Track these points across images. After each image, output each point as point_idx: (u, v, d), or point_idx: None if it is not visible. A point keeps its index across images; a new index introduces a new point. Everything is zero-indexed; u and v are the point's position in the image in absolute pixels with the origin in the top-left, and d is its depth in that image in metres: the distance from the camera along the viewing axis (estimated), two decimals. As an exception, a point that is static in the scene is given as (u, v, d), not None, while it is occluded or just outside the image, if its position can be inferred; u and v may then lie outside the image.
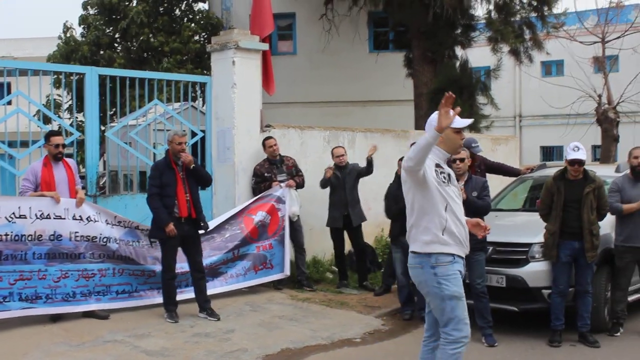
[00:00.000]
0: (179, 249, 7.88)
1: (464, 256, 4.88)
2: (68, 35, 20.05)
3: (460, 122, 4.84)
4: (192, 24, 19.20)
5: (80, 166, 10.23)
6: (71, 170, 7.83)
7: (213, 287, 8.46)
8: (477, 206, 7.24)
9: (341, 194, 9.60)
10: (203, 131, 10.16)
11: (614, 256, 7.70)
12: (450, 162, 7.24)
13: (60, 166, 7.76)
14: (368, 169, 9.68)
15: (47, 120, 11.70)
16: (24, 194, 7.59)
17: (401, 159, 8.29)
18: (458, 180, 7.42)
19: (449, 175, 4.92)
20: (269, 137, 9.68)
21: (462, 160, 7.42)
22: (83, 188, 8.20)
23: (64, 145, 7.85)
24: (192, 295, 8.03)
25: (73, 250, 7.55)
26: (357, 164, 9.89)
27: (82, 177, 8.79)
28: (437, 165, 4.86)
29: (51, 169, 7.66)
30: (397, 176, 8.55)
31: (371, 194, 9.96)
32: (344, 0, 17.47)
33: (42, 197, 7.48)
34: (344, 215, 9.64)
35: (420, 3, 14.46)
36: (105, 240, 7.79)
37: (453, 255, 4.79)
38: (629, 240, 7.55)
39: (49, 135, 7.86)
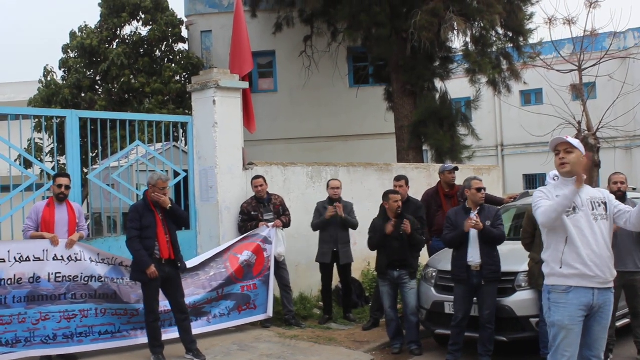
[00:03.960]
0: (160, 291, 7.81)
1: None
2: (49, 78, 20.06)
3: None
4: (173, 65, 19.28)
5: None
6: (73, 212, 7.89)
7: (197, 327, 8.36)
8: (493, 236, 7.31)
9: (331, 230, 9.60)
10: (186, 171, 10.14)
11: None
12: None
13: (64, 207, 7.84)
14: (353, 226, 9.77)
15: (28, 164, 11.68)
16: (26, 232, 7.69)
17: (390, 192, 8.40)
18: (471, 211, 7.53)
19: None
20: (258, 177, 9.66)
21: (484, 190, 7.67)
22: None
23: (67, 187, 7.87)
24: (176, 335, 7.93)
25: (53, 292, 7.48)
26: (350, 204, 9.89)
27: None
28: None
29: (53, 210, 7.76)
30: (382, 209, 8.58)
31: (357, 229, 9.94)
32: (323, 36, 17.63)
33: (30, 240, 7.54)
34: (333, 251, 9.62)
35: (398, 37, 14.63)
36: (87, 279, 7.72)
37: None
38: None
39: (55, 176, 8.01)
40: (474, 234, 7.46)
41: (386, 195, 8.42)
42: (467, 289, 7.50)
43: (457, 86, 18.78)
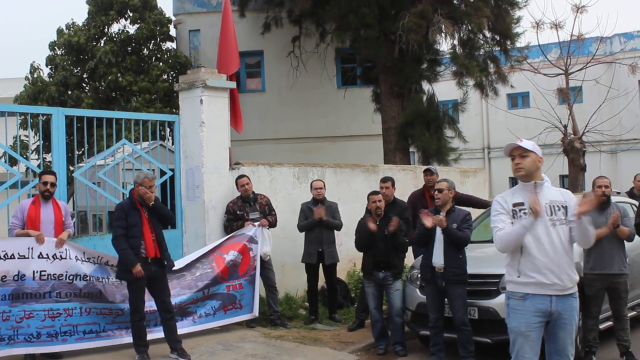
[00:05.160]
0: (146, 290, 7.79)
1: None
2: (35, 75, 19.95)
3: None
4: (161, 63, 19.22)
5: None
6: (59, 210, 7.86)
7: (182, 327, 8.34)
8: (456, 237, 7.34)
9: (317, 230, 9.62)
10: (172, 170, 10.12)
11: (584, 285, 7.76)
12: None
13: (49, 205, 7.82)
14: (336, 227, 9.80)
15: (13, 162, 11.61)
16: (12, 231, 7.65)
17: (371, 193, 8.44)
18: (439, 211, 7.56)
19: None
20: (242, 176, 9.67)
21: (440, 190, 7.58)
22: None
23: (53, 184, 7.84)
24: (161, 335, 7.91)
25: (38, 290, 7.44)
26: (334, 204, 9.91)
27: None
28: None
29: (39, 208, 7.73)
30: (367, 210, 8.61)
31: (342, 229, 9.96)
32: (311, 37, 17.63)
33: (15, 238, 7.52)
34: (319, 251, 9.64)
35: (386, 39, 14.65)
36: (71, 277, 7.69)
37: None
38: (596, 267, 7.61)
39: (40, 173, 7.97)
40: (439, 235, 7.51)
41: (368, 196, 8.48)
42: (435, 289, 7.56)
43: (444, 88, 18.86)
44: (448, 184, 7.78)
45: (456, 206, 7.86)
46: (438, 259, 7.48)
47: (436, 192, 7.73)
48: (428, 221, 7.31)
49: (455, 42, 15.29)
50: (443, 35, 14.76)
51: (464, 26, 14.92)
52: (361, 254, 8.60)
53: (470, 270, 7.59)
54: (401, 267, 8.54)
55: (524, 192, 4.95)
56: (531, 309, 4.83)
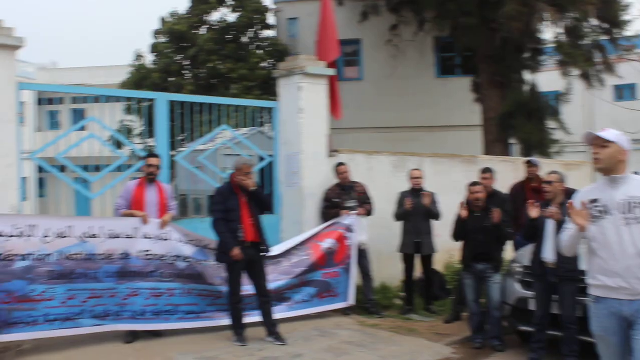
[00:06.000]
0: (244, 274, 7.89)
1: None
2: (140, 63, 20.54)
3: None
4: (260, 51, 19.45)
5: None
6: (163, 192, 8.03)
7: (278, 312, 8.39)
8: None
9: (414, 220, 9.51)
10: (271, 156, 10.21)
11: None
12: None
13: (154, 188, 8.00)
14: (435, 216, 9.66)
15: (119, 145, 11.99)
16: (118, 210, 7.88)
17: (471, 184, 8.25)
18: (550, 204, 7.28)
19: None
20: (341, 164, 9.66)
21: (550, 183, 7.32)
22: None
23: (157, 167, 8.03)
24: (258, 318, 7.99)
25: (142, 269, 7.63)
26: (434, 194, 9.78)
27: None
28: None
29: (144, 190, 7.92)
30: (467, 202, 8.43)
31: (440, 220, 9.80)
32: (410, 26, 17.45)
33: (121, 218, 7.74)
34: (416, 241, 9.54)
35: (487, 27, 14.36)
36: (174, 258, 7.86)
37: None
38: None
39: (146, 156, 8.18)
40: (551, 229, 7.22)
41: (468, 187, 8.29)
42: (544, 286, 7.27)
43: (545, 79, 18.29)
44: (559, 175, 7.48)
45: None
46: (549, 254, 7.20)
47: (546, 185, 7.45)
48: (534, 212, 7.09)
49: (560, 30, 14.83)
50: (546, 23, 14.36)
51: (569, 14, 14.42)
52: (459, 245, 8.43)
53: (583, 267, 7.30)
54: (501, 260, 8.33)
55: (602, 187, 4.60)
56: (604, 312, 4.51)
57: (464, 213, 8.03)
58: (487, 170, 9.28)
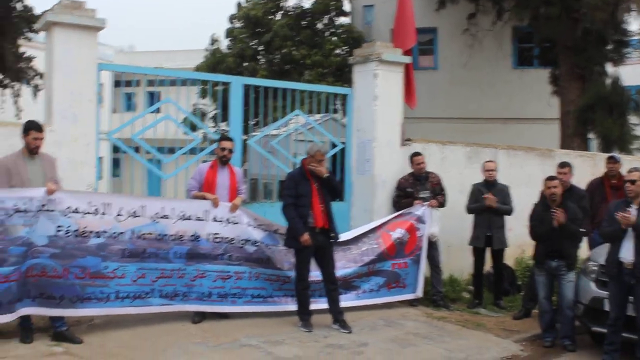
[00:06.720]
0: (312, 260, 7.88)
1: None
2: (215, 47, 20.76)
3: None
4: (334, 38, 19.40)
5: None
6: (235, 176, 8.06)
7: (345, 300, 8.36)
8: None
9: (486, 214, 9.34)
10: (343, 143, 10.16)
11: None
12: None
13: (226, 171, 8.03)
14: (507, 212, 9.47)
15: (192, 127, 12.12)
16: (189, 192, 7.95)
17: (548, 178, 8.00)
18: (632, 204, 7.01)
19: None
20: (418, 154, 9.53)
21: (633, 182, 7.01)
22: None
23: (230, 151, 8.07)
24: (325, 305, 7.97)
25: (211, 251, 7.69)
26: (506, 187, 9.57)
27: None
28: None
29: (216, 172, 7.96)
30: (543, 197, 8.20)
31: (513, 214, 9.60)
32: (488, 15, 17.11)
33: (192, 200, 7.79)
34: (487, 235, 9.37)
35: (569, 17, 13.96)
36: (242, 242, 7.89)
37: None
38: None
39: (219, 139, 8.22)
40: (630, 230, 6.94)
41: (544, 181, 8.05)
42: (620, 286, 7.01)
43: (630, 72, 17.67)
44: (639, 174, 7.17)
45: None
46: (627, 254, 6.93)
47: (628, 184, 7.09)
48: (625, 220, 6.82)
49: (647, 21, 14.33)
50: (633, 14, 13.85)
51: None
52: (531, 240, 8.23)
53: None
54: (575, 258, 8.09)
55: None
56: None
57: (560, 216, 7.72)
58: (565, 165, 9.02)
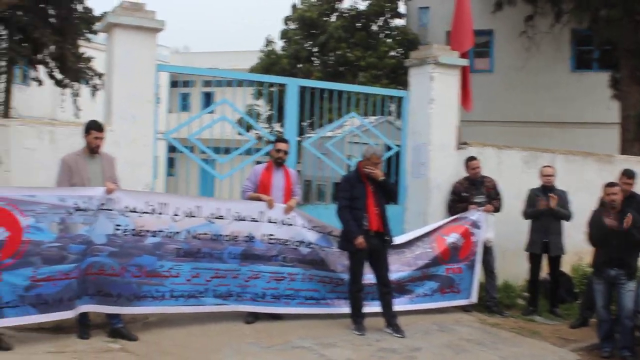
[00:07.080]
0: (366, 263, 7.84)
1: None
2: (269, 48, 20.87)
3: None
4: (389, 40, 19.33)
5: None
6: (289, 177, 8.11)
7: (399, 304, 8.30)
8: None
9: (543, 219, 9.18)
10: (398, 146, 10.11)
11: None
12: None
13: (281, 172, 8.10)
14: (565, 217, 9.28)
15: (247, 128, 12.23)
16: (244, 193, 8.03)
17: (608, 185, 7.83)
18: None
19: None
20: (474, 158, 9.42)
21: None
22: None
23: (286, 152, 8.12)
24: (378, 309, 7.93)
25: (265, 252, 7.72)
26: (564, 192, 9.39)
27: None
28: None
29: (271, 174, 8.03)
30: (602, 203, 8.02)
31: (571, 221, 9.41)
32: (546, 17, 16.84)
33: (247, 201, 7.86)
34: (544, 241, 9.21)
35: (630, 19, 13.64)
36: (297, 244, 7.91)
37: None
38: None
39: (275, 140, 8.30)
40: None
41: (604, 187, 7.87)
42: None
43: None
44: None
45: None
46: None
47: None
48: None
49: None
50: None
51: None
52: (589, 247, 8.05)
53: None
54: (636, 267, 7.89)
55: None
56: None
57: (610, 222, 7.59)
58: (632, 175, 8.69)
